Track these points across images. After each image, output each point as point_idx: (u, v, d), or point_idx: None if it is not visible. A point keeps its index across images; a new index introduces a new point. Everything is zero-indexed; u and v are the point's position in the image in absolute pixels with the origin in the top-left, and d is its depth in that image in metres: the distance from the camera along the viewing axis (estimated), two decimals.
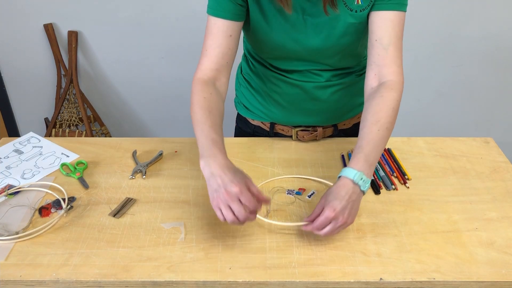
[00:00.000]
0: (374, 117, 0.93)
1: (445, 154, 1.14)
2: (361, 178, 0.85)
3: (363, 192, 0.87)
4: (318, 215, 0.84)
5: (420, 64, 2.18)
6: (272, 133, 1.22)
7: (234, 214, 0.80)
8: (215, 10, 0.98)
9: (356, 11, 0.98)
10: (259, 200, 0.83)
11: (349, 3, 0.97)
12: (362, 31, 1.03)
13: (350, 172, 0.86)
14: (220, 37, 0.99)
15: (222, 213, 0.81)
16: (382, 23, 0.98)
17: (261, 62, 1.13)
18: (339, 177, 0.87)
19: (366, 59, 1.15)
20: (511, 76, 2.24)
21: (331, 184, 1.02)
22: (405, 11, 0.99)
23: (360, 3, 0.97)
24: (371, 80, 1.00)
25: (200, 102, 0.96)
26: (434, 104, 2.31)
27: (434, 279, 0.79)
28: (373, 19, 0.99)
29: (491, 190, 1.01)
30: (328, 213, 0.82)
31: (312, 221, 0.85)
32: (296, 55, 1.06)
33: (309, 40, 1.02)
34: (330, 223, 0.83)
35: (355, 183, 0.85)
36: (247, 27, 1.04)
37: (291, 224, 0.90)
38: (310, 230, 0.84)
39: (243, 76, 1.22)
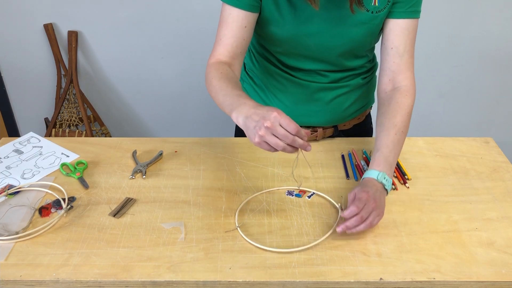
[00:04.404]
0: (391, 121, 0.99)
1: (445, 154, 1.14)
2: (384, 178, 0.92)
3: (387, 191, 0.93)
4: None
5: (420, 64, 2.17)
6: None
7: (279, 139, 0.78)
8: None
9: (372, 12, 0.99)
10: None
11: (366, 3, 0.98)
12: (374, 32, 1.04)
13: (373, 173, 0.93)
14: (235, 27, 0.99)
15: (269, 145, 0.79)
16: (399, 31, 1.02)
17: (266, 58, 1.13)
18: (363, 179, 0.94)
19: (372, 61, 1.16)
20: (511, 76, 2.24)
21: (312, 191, 1.02)
22: (419, 17, 1.02)
23: (377, 4, 0.98)
24: (385, 85, 1.06)
25: (216, 76, 0.96)
26: (434, 104, 2.31)
27: (434, 279, 0.79)
28: (390, 27, 1.02)
29: (491, 190, 1.01)
30: (361, 195, 0.86)
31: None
32: (305, 51, 1.06)
33: (321, 34, 1.02)
34: (363, 207, 0.85)
35: (378, 181, 0.91)
36: (259, 18, 1.03)
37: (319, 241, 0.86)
38: (344, 230, 0.84)
39: (247, 73, 1.22)
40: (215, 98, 0.94)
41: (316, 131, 1.17)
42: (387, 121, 0.99)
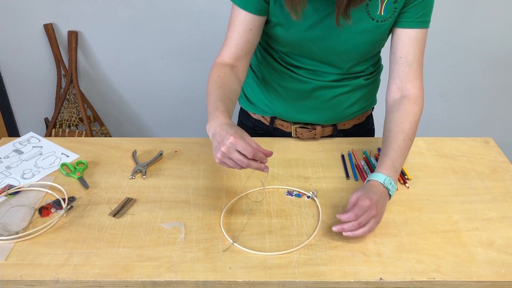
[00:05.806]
0: (399, 127, 0.99)
1: (445, 154, 1.14)
2: (390, 183, 0.91)
3: (390, 197, 0.92)
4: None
5: None
6: (272, 127, 1.22)
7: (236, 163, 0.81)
8: (239, 0, 0.99)
9: (377, 21, 0.99)
10: (259, 151, 0.82)
11: (372, 12, 0.98)
12: (378, 40, 1.05)
13: (380, 176, 0.91)
14: (241, 30, 1.01)
15: (227, 165, 0.83)
16: (408, 40, 1.02)
17: (270, 53, 1.13)
18: (368, 180, 0.92)
19: (376, 64, 1.16)
20: (511, 76, 2.24)
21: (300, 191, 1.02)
22: (429, 27, 1.02)
23: (383, 13, 0.98)
24: (393, 92, 1.06)
25: (213, 79, 0.99)
26: (434, 104, 2.31)
27: (434, 279, 0.79)
28: (399, 36, 1.02)
29: (491, 190, 1.01)
30: (364, 202, 0.85)
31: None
32: (309, 54, 1.06)
33: (325, 40, 1.02)
34: (363, 214, 0.84)
35: (384, 186, 0.90)
36: (266, 19, 1.04)
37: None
38: (340, 230, 0.84)
39: (251, 67, 1.23)
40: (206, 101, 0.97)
41: (315, 129, 1.17)
42: (395, 127, 1.00)
